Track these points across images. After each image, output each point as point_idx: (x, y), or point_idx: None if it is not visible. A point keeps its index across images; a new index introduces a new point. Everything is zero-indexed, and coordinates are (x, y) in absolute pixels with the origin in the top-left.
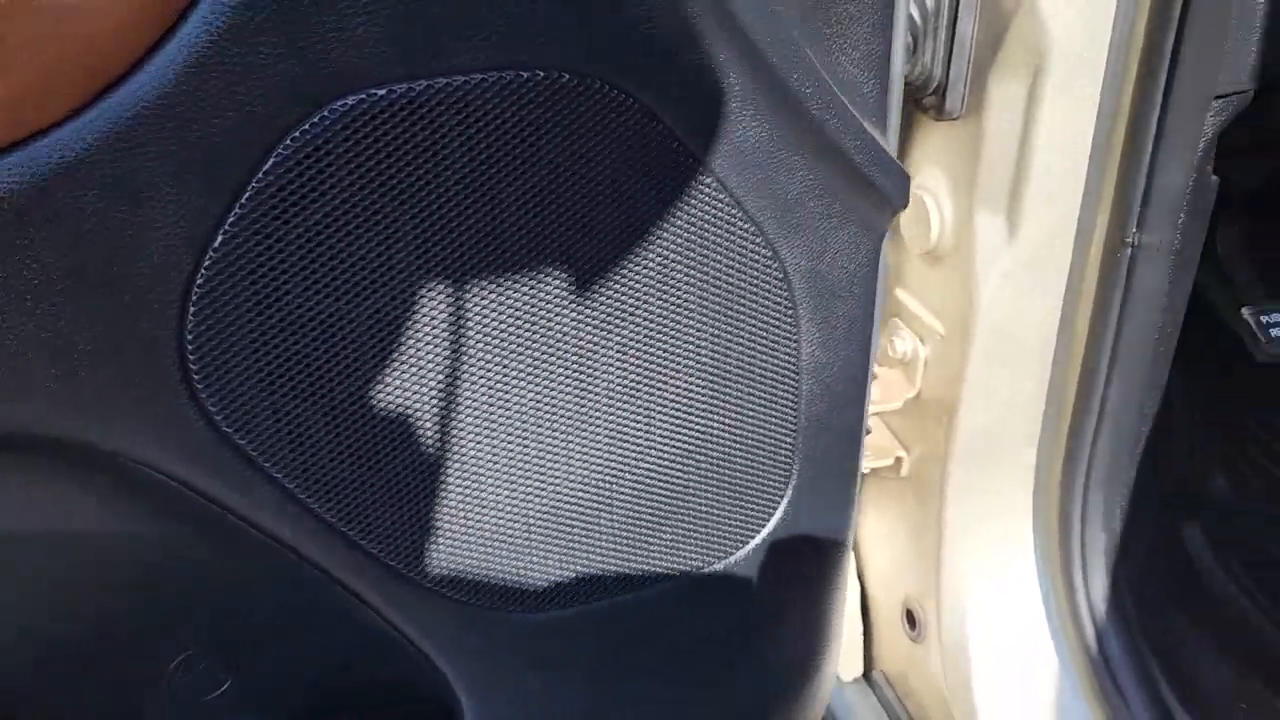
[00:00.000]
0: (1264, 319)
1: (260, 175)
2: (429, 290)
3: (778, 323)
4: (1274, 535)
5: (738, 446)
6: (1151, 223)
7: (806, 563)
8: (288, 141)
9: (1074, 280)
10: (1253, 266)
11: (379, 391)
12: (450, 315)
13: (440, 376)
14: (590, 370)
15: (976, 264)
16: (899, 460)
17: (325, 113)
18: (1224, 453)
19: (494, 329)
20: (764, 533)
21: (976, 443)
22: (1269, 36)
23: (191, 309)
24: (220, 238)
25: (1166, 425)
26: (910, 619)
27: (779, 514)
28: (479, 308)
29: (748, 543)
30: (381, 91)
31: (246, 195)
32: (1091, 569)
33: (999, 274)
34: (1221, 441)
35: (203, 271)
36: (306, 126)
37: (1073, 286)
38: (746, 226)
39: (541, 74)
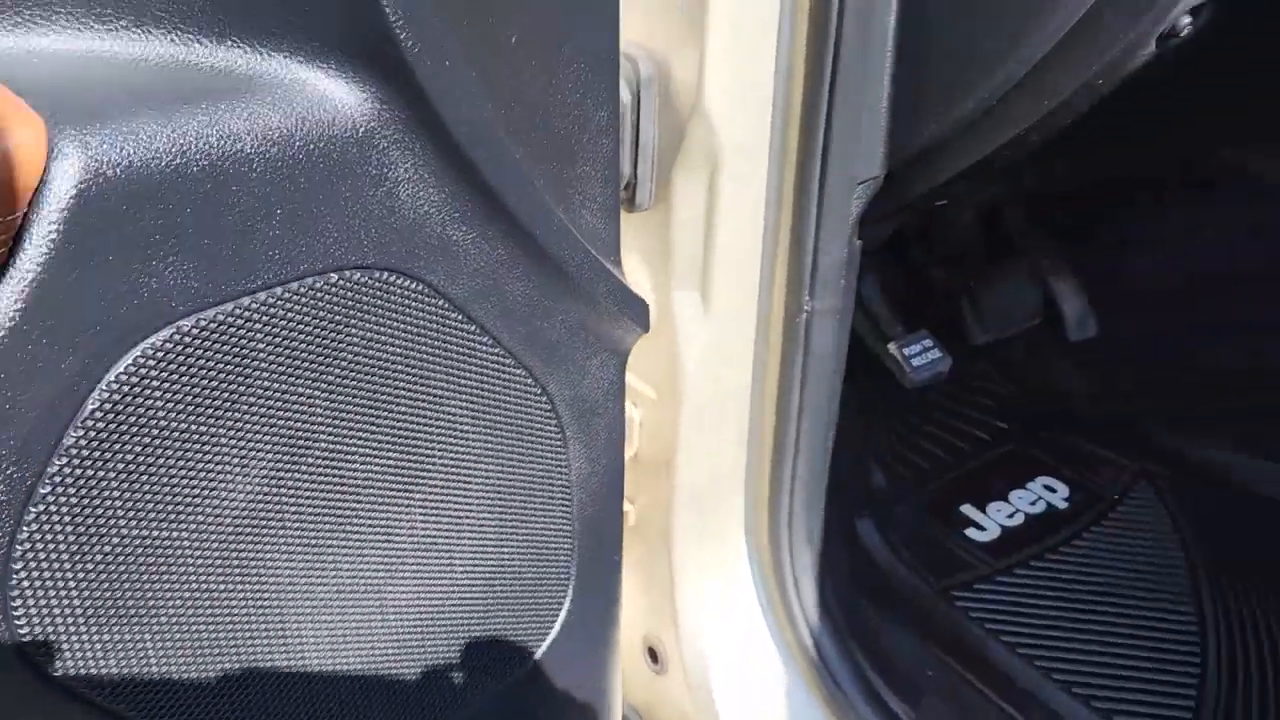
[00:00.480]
0: (905, 351)
1: (74, 428)
2: (246, 495)
3: (551, 449)
4: (923, 519)
5: (528, 567)
6: (820, 290)
7: (589, 651)
8: (100, 388)
9: (761, 346)
10: (887, 307)
11: (212, 605)
12: (267, 515)
13: (262, 572)
14: (397, 533)
15: (678, 337)
16: (626, 513)
17: (138, 354)
18: (880, 455)
19: (309, 517)
20: (552, 635)
21: (693, 490)
22: (888, 133)
23: (15, 567)
24: (37, 495)
25: (838, 441)
26: (652, 655)
27: (563, 615)
28: (293, 501)
29: (539, 648)
30: (190, 323)
31: (61, 450)
32: (801, 585)
33: (699, 345)
34: (878, 445)
35: (24, 528)
36: (121, 370)
37: (760, 351)
38: (519, 372)
39: (335, 276)
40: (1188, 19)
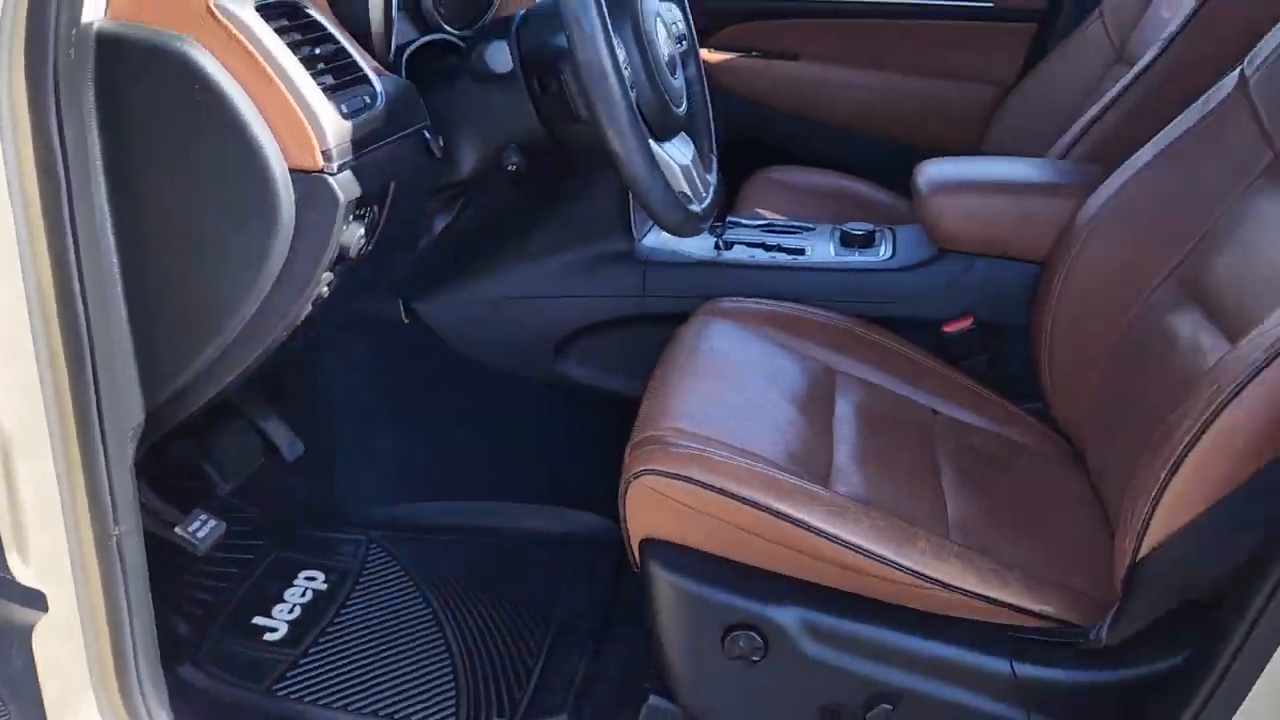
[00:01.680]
0: (190, 530)
1: None
2: None
3: None
4: (228, 643)
5: None
6: (120, 516)
7: None
8: None
9: (80, 575)
10: (157, 498)
11: None
12: None
13: None
14: None
15: None
16: None
17: None
18: (179, 608)
19: None
20: None
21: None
22: (143, 392)
23: None
24: None
25: None
26: None
27: None
28: None
29: None
30: None
31: None
32: None
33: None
34: (175, 601)
35: None
36: None
37: (80, 579)
38: None
39: None
40: (325, 289)
